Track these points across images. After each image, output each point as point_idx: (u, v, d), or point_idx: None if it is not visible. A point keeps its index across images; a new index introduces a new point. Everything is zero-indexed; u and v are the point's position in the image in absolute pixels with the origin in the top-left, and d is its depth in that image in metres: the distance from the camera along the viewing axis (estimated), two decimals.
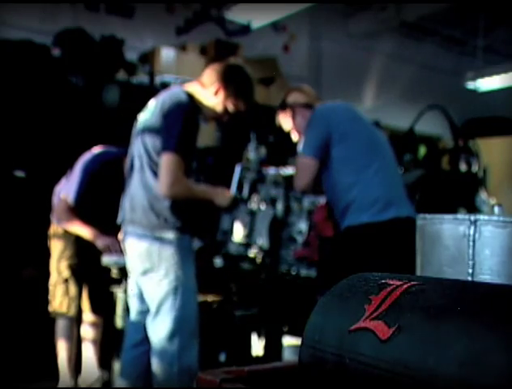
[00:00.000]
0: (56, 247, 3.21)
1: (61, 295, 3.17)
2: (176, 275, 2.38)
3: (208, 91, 2.54)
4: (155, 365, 2.40)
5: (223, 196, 2.61)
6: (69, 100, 4.16)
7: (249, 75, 2.64)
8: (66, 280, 3.17)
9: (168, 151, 2.37)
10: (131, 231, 2.48)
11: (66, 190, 3.16)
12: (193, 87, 2.56)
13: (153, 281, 2.42)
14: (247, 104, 2.60)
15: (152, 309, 2.42)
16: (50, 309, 3.20)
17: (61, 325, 3.18)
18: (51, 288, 3.20)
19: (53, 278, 3.20)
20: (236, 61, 2.70)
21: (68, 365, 3.15)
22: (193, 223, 2.52)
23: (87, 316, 3.27)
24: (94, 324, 3.27)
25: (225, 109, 2.57)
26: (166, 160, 2.37)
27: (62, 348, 3.15)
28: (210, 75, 2.55)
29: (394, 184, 2.53)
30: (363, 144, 2.52)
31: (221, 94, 2.53)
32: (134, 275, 2.52)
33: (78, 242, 3.18)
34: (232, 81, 2.53)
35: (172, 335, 2.37)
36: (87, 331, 3.27)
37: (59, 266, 3.18)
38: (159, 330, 2.40)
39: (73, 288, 3.17)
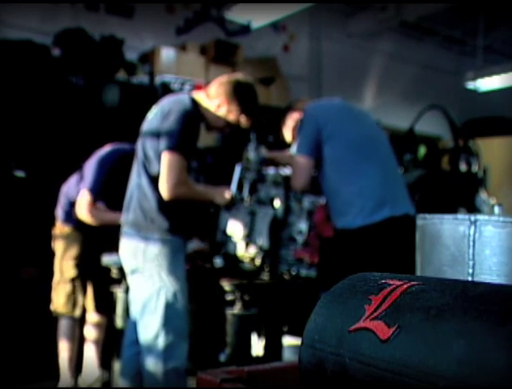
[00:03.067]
0: (61, 247, 3.21)
1: (65, 295, 3.16)
2: (159, 276, 2.39)
3: (212, 103, 2.55)
4: (144, 364, 2.42)
5: (221, 195, 2.61)
6: (69, 100, 4.16)
7: (255, 93, 2.65)
8: (72, 280, 3.17)
9: (170, 150, 2.35)
10: (124, 231, 2.52)
11: (83, 185, 3.13)
12: (199, 96, 2.58)
13: (138, 281, 2.44)
14: (250, 121, 2.62)
15: (138, 309, 2.44)
16: (52, 308, 3.19)
17: (64, 325, 3.18)
18: (55, 287, 3.20)
19: (57, 277, 3.19)
20: (244, 78, 2.69)
21: (69, 365, 3.15)
22: (183, 224, 2.52)
23: (91, 316, 3.26)
24: (98, 324, 3.27)
25: (227, 123, 2.58)
26: (169, 160, 2.35)
27: (64, 348, 3.15)
28: (216, 88, 2.56)
29: (388, 182, 2.51)
30: (353, 143, 2.51)
31: (224, 108, 2.55)
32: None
33: (83, 242, 3.18)
34: (235, 98, 2.54)
35: (156, 336, 2.38)
36: (91, 332, 3.27)
37: (64, 265, 3.18)
38: (144, 330, 2.42)
39: (78, 288, 3.17)
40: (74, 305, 3.16)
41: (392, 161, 2.63)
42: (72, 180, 3.26)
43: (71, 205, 3.17)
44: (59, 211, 3.25)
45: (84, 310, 3.23)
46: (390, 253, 2.32)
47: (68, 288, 3.17)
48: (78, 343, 3.23)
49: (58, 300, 3.18)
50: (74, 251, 3.18)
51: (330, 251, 2.69)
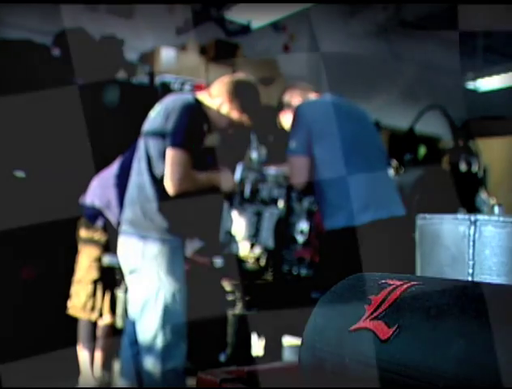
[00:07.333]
0: (87, 250, 3.20)
1: (86, 296, 3.17)
2: (158, 276, 2.39)
3: (214, 103, 2.57)
4: (143, 364, 2.42)
5: (227, 180, 2.61)
6: (69, 100, 4.15)
7: (257, 92, 2.66)
8: (94, 282, 3.17)
9: (173, 146, 2.37)
10: (121, 229, 2.52)
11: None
12: (202, 95, 2.60)
13: (137, 281, 2.45)
14: (251, 120, 2.62)
15: (137, 309, 2.44)
16: (69, 306, 3.20)
17: (83, 326, 3.20)
18: (74, 285, 3.20)
19: (79, 276, 3.19)
20: (246, 77, 2.72)
21: (90, 363, 3.19)
22: (183, 224, 2.52)
23: (106, 317, 3.26)
24: (110, 326, 3.27)
25: (230, 123, 2.59)
26: (172, 156, 2.37)
27: (85, 348, 3.18)
28: (218, 87, 2.59)
29: (375, 184, 2.50)
30: (341, 144, 2.50)
31: (225, 107, 2.56)
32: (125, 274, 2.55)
33: (107, 246, 3.17)
34: (237, 97, 2.56)
35: (155, 336, 2.38)
36: (104, 333, 3.28)
37: (88, 267, 3.17)
38: (143, 331, 2.42)
39: (99, 292, 3.18)
40: (93, 308, 3.17)
41: (380, 161, 2.62)
42: (104, 176, 3.25)
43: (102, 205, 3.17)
44: (88, 210, 3.23)
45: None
46: (373, 255, 2.33)
47: (89, 289, 3.17)
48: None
49: (79, 299, 3.17)
50: (99, 254, 3.17)
51: (321, 251, 2.71)
